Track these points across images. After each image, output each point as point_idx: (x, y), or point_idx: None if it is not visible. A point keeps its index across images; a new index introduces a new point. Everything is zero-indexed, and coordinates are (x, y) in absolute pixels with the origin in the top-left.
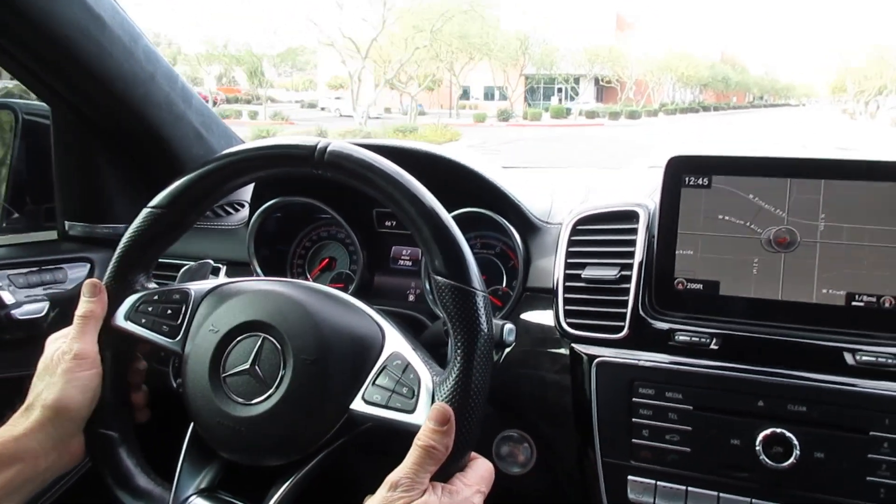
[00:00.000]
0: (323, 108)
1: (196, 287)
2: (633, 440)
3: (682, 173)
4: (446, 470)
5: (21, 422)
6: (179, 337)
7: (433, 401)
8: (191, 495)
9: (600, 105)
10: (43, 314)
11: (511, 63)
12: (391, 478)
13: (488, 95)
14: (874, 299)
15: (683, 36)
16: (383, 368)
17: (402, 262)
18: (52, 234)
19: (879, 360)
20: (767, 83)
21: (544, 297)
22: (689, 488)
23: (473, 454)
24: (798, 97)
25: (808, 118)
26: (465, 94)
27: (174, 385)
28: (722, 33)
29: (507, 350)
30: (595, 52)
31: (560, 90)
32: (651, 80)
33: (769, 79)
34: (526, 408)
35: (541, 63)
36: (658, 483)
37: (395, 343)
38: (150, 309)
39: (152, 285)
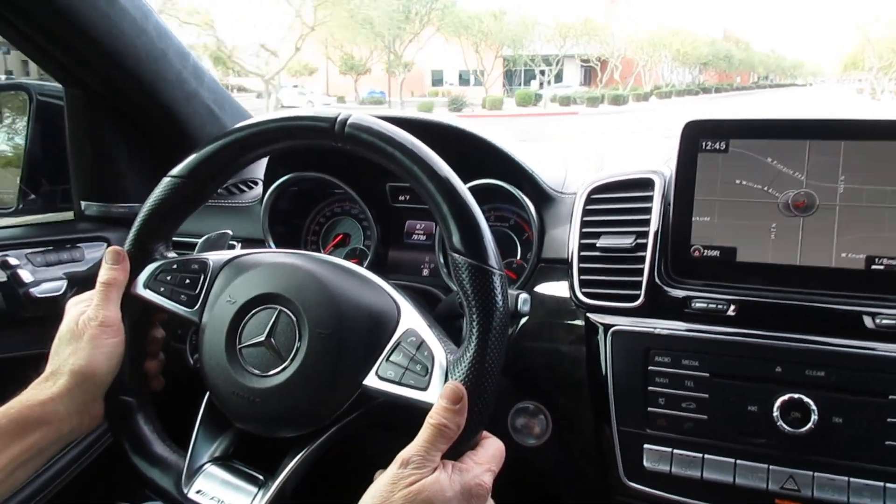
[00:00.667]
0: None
1: (214, 257)
2: (650, 409)
3: (699, 138)
4: (457, 448)
5: (47, 387)
6: (197, 307)
7: (447, 379)
8: (205, 463)
9: (583, 89)
10: (61, 293)
11: (485, 43)
12: (402, 455)
13: (464, 80)
14: (895, 262)
15: (680, 10)
16: (398, 345)
17: (415, 237)
18: (68, 215)
19: None
20: (773, 61)
21: (559, 268)
22: (706, 456)
23: (485, 433)
24: (805, 76)
25: (821, 98)
26: (439, 80)
27: (191, 362)
28: (724, 8)
29: (523, 321)
30: (568, 26)
31: (542, 73)
32: (642, 58)
33: (775, 56)
34: (541, 379)
35: (518, 43)
36: (675, 451)
37: (411, 319)
38: (168, 278)
39: (171, 255)
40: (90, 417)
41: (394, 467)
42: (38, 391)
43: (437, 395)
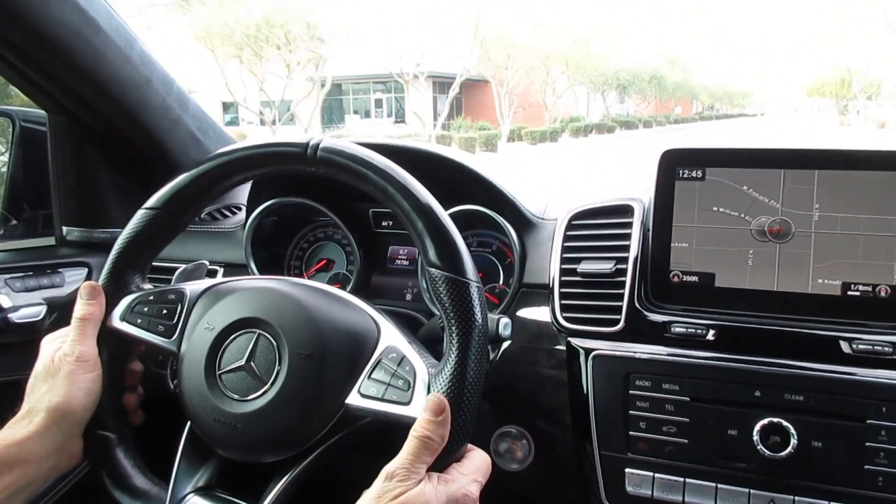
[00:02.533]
0: None
1: (191, 287)
2: (631, 432)
3: (676, 166)
4: (443, 461)
5: (24, 425)
6: (175, 336)
7: (429, 392)
8: (188, 494)
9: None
10: (40, 318)
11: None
12: (387, 468)
13: (263, 119)
14: (869, 288)
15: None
16: (379, 362)
17: (398, 262)
18: (49, 241)
19: (876, 348)
20: (718, 89)
21: (541, 293)
22: (688, 480)
23: (470, 446)
24: (753, 105)
25: (815, 132)
26: (233, 117)
27: (171, 388)
28: (658, 31)
29: (505, 346)
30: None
31: (378, 102)
32: (518, 79)
33: (720, 84)
34: (523, 404)
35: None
36: (656, 475)
37: (391, 337)
38: (145, 309)
39: (147, 286)
40: (69, 455)
41: (379, 481)
42: (15, 430)
43: (421, 408)
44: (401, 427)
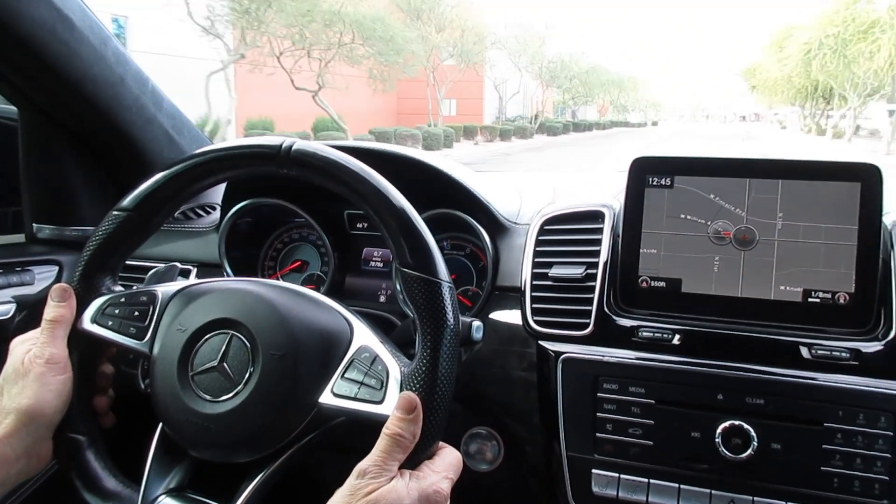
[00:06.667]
0: None
1: (163, 289)
2: (598, 434)
3: (646, 174)
4: (415, 458)
5: None
6: (147, 338)
7: (401, 391)
8: (159, 495)
9: None
10: (9, 316)
11: None
12: (359, 466)
13: None
14: (829, 296)
15: None
16: (352, 361)
17: (373, 264)
18: (19, 238)
19: (834, 353)
20: (575, 70)
21: (513, 297)
22: (652, 480)
23: (441, 443)
24: (644, 108)
25: None
26: None
27: (142, 387)
28: None
29: (476, 348)
30: None
31: None
32: None
33: (577, 63)
34: (494, 405)
35: None
36: (621, 476)
37: (364, 336)
38: (116, 311)
39: (118, 288)
40: (38, 458)
41: (351, 479)
42: None
43: (393, 407)
44: (374, 426)
